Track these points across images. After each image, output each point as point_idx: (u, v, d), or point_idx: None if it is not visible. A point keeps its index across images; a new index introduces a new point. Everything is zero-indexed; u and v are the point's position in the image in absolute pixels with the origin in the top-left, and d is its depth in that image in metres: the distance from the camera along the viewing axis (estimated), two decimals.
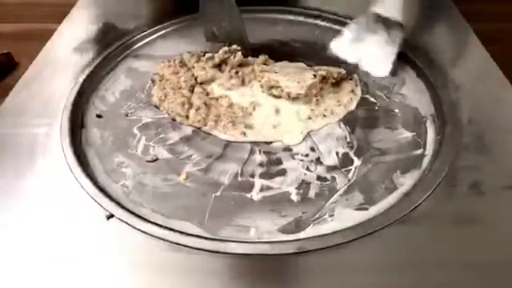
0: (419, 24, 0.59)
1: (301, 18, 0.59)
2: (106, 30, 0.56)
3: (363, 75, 0.50)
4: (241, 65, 0.50)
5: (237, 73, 0.49)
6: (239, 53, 0.50)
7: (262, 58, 0.50)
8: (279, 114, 0.45)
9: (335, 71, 0.47)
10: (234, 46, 0.51)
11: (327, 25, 0.58)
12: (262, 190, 0.38)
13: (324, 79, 0.46)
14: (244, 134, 0.43)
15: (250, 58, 0.51)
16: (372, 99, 0.47)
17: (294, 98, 0.45)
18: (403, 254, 0.33)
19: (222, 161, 0.40)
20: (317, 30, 0.57)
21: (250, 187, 0.38)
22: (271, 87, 0.46)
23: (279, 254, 0.33)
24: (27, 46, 0.56)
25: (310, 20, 0.59)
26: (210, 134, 0.43)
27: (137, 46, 0.55)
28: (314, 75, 0.46)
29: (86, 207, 0.36)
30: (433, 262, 0.32)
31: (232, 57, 0.50)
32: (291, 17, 0.59)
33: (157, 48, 0.55)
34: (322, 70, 0.47)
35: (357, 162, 0.40)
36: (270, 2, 0.60)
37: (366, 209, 0.36)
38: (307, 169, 0.40)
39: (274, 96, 0.46)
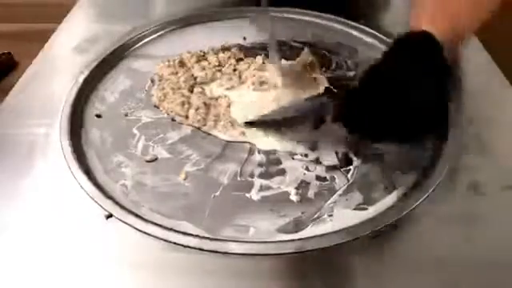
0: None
1: (302, 18, 0.59)
2: (106, 30, 0.56)
3: None
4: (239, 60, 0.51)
5: (234, 70, 0.49)
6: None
7: (259, 58, 0.50)
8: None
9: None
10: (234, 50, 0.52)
11: (328, 24, 0.58)
12: (261, 189, 0.38)
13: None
14: (243, 133, 0.43)
15: (249, 59, 0.51)
16: None
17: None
18: (402, 254, 0.33)
19: (221, 161, 0.40)
20: (317, 30, 0.57)
21: (249, 187, 0.38)
22: (262, 83, 0.46)
23: (278, 254, 0.33)
24: (27, 46, 0.56)
25: (312, 19, 0.59)
26: (210, 134, 0.43)
27: (137, 45, 0.54)
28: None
29: (86, 207, 0.36)
30: (432, 261, 0.32)
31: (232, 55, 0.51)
32: (292, 16, 0.59)
33: (157, 48, 0.55)
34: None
35: (356, 161, 0.40)
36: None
37: (366, 209, 0.36)
38: (306, 169, 0.40)
39: (263, 88, 0.47)
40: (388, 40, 0.53)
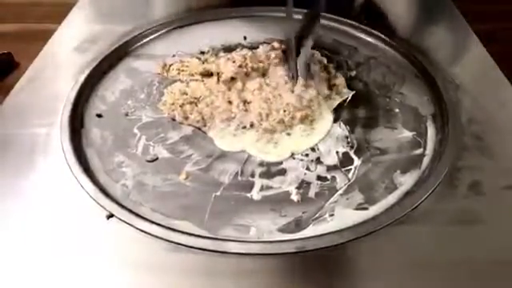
0: (419, 24, 0.60)
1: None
2: (106, 30, 0.56)
3: (364, 74, 0.50)
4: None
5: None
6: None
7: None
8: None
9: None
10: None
11: (328, 24, 0.58)
12: (262, 189, 0.38)
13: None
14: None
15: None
16: (372, 98, 0.47)
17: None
18: (403, 254, 0.33)
19: (221, 160, 0.40)
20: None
21: (250, 187, 0.38)
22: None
23: (279, 254, 0.33)
24: (27, 46, 0.56)
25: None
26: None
27: (137, 45, 0.54)
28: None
29: (86, 207, 0.36)
30: (433, 261, 0.32)
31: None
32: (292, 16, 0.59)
33: (157, 48, 0.55)
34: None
35: (357, 161, 0.40)
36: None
37: (366, 208, 0.36)
38: (307, 168, 0.40)
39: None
40: (389, 40, 0.54)
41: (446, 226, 0.35)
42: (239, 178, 0.39)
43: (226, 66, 0.47)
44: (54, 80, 0.49)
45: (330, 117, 0.45)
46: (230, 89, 0.46)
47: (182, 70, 0.50)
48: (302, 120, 0.43)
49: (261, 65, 0.48)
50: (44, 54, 0.52)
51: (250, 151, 0.41)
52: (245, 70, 0.47)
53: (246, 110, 0.44)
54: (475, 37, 0.54)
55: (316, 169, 0.40)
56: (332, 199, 0.37)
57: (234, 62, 0.47)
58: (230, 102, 0.45)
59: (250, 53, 0.49)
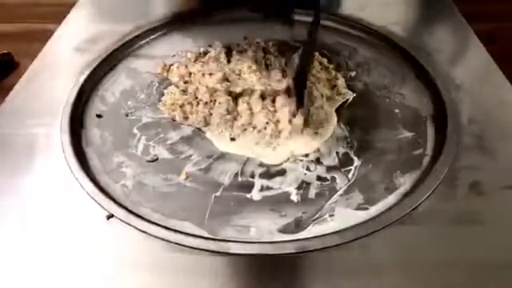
0: (419, 24, 0.60)
1: (302, 18, 0.59)
2: (106, 30, 0.56)
3: (364, 75, 0.50)
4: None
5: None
6: None
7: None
8: None
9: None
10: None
11: (328, 23, 0.58)
12: (262, 189, 0.38)
13: None
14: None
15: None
16: (372, 99, 0.47)
17: None
18: (403, 254, 0.33)
19: (222, 161, 0.40)
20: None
21: (250, 187, 0.38)
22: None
23: (279, 254, 0.33)
24: (27, 46, 0.56)
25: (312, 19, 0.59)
26: None
27: (137, 45, 0.54)
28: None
29: (86, 207, 0.36)
30: (433, 262, 0.32)
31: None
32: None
33: (157, 48, 0.55)
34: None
35: (357, 161, 0.40)
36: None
37: (366, 209, 0.36)
38: (307, 169, 0.40)
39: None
40: (389, 40, 0.54)
41: (445, 226, 0.35)
42: (239, 178, 0.39)
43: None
44: (54, 80, 0.49)
45: (333, 120, 0.44)
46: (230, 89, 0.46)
47: (182, 71, 0.50)
48: (304, 122, 0.43)
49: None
50: (44, 54, 0.52)
51: (249, 154, 0.41)
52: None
53: (247, 111, 0.44)
54: (475, 37, 0.54)
55: (316, 169, 0.40)
56: (332, 199, 0.37)
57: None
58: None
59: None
